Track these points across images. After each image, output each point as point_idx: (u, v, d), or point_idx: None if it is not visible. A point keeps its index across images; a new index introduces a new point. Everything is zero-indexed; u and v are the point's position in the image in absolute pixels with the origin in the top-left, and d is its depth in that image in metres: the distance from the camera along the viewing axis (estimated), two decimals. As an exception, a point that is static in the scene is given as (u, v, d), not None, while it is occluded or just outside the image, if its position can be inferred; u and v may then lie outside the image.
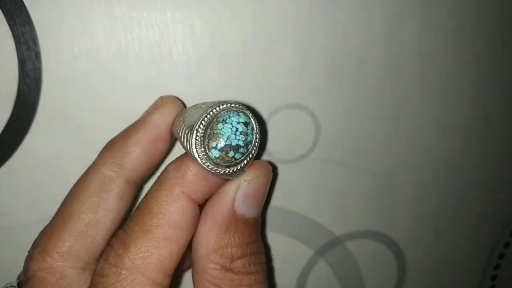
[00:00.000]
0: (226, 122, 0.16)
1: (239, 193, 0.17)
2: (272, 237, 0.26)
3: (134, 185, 0.19)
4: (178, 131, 0.17)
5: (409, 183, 0.27)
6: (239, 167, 0.17)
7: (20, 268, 0.20)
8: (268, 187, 0.19)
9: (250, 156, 0.17)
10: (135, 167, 0.19)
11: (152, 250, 0.16)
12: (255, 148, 0.17)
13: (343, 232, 0.27)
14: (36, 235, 0.19)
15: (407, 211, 0.27)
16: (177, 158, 0.18)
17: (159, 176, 0.18)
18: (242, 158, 0.16)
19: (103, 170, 0.19)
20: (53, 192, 0.22)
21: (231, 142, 0.16)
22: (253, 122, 0.16)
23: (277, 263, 0.26)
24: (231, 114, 0.16)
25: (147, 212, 0.17)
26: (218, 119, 0.16)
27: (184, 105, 0.21)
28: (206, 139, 0.16)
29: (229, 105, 0.16)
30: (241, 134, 0.16)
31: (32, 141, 0.22)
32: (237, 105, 0.16)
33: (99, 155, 0.19)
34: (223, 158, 0.16)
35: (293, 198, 0.25)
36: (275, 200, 0.25)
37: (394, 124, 0.26)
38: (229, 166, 0.16)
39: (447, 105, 0.26)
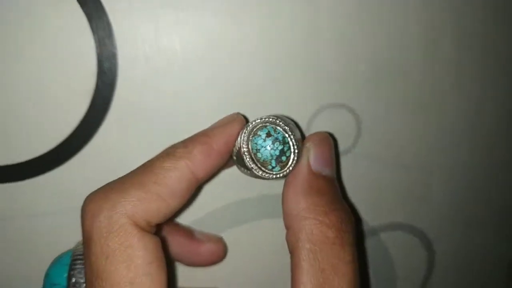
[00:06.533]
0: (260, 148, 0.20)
1: (310, 154, 0.20)
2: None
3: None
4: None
5: (442, 178, 0.29)
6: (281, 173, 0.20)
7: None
8: (333, 148, 0.21)
9: (291, 155, 0.20)
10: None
11: (143, 200, 0.17)
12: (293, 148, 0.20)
13: (377, 223, 0.29)
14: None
15: (439, 205, 0.29)
16: (184, 139, 0.20)
17: (164, 150, 0.19)
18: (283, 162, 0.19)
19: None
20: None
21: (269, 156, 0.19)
22: (278, 133, 0.19)
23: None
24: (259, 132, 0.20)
25: (149, 170, 0.18)
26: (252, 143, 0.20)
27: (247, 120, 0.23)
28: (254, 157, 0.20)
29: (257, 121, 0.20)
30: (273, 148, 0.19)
31: (104, 134, 0.24)
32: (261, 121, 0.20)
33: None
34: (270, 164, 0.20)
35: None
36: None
37: (428, 122, 0.28)
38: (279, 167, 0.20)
39: (481, 104, 0.28)
